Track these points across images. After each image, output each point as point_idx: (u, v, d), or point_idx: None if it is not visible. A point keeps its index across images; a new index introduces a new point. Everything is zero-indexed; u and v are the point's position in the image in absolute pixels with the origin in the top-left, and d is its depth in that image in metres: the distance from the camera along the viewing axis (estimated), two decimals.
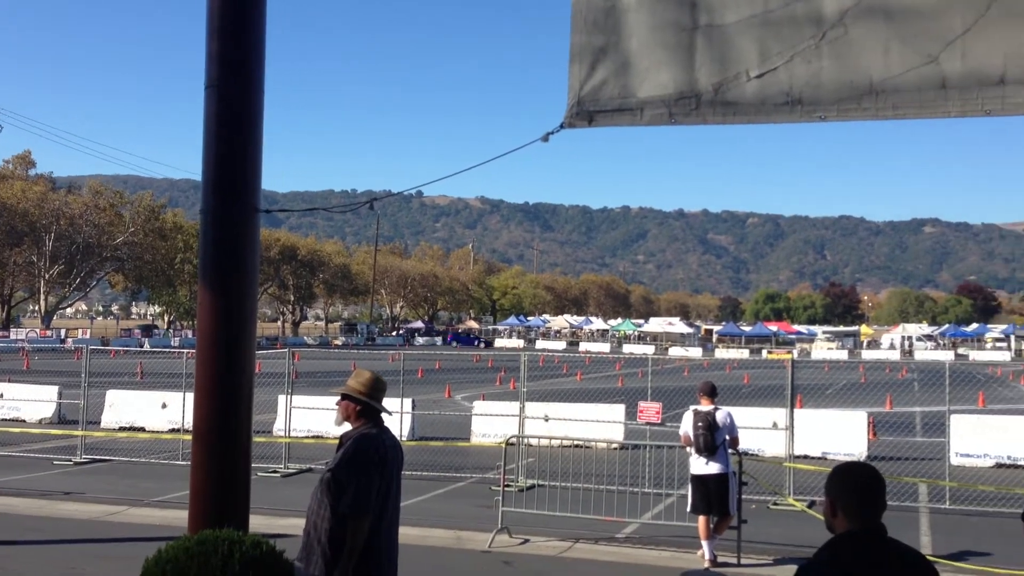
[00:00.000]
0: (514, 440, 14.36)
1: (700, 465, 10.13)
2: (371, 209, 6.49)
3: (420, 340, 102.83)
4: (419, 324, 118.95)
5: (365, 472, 4.86)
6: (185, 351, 19.31)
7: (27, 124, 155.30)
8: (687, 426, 10.33)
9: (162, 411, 20.50)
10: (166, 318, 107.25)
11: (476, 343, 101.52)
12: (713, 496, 10.03)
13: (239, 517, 5.38)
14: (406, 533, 10.67)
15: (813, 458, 16.50)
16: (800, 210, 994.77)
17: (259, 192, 5.77)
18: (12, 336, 67.99)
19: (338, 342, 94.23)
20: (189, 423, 16.48)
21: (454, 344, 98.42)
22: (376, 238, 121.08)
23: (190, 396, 16.73)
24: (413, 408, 19.02)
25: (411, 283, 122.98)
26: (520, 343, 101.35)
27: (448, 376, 40.10)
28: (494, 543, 10.67)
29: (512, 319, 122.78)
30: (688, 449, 10.41)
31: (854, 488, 3.18)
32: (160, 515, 12.23)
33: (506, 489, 11.55)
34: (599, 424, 17.93)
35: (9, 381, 22.40)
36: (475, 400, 23.44)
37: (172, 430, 19.01)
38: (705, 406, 10.33)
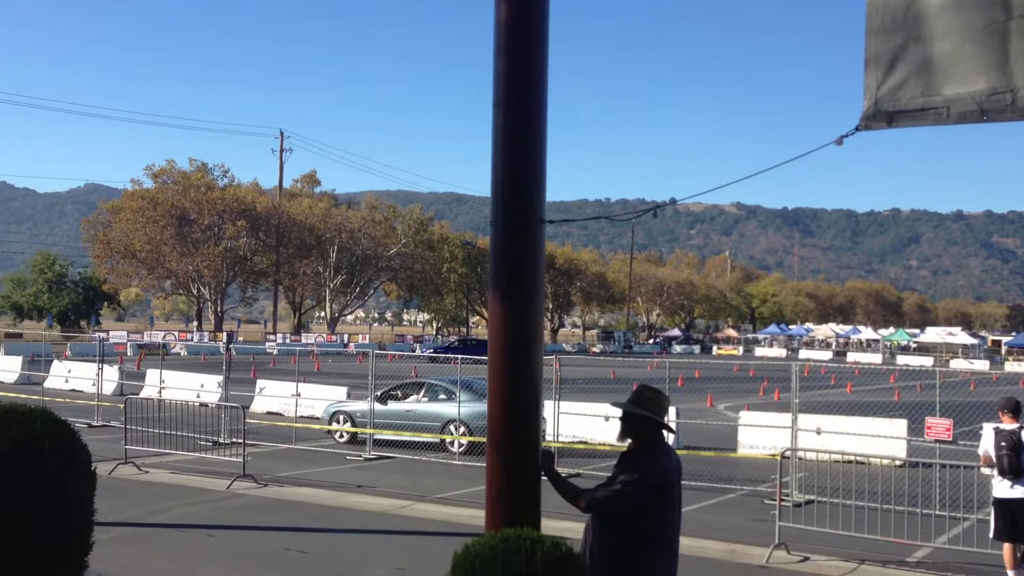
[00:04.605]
0: (788, 453, 13.89)
1: (1004, 488, 9.32)
2: (654, 217, 6.51)
3: (677, 348, 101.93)
4: (676, 332, 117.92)
5: (630, 488, 4.91)
6: (458, 357, 20.31)
7: (311, 146, 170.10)
8: (988, 445, 9.55)
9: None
10: (435, 324, 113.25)
11: None
12: (1020, 523, 9.19)
13: (533, 518, 5.56)
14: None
15: None
16: None
17: (543, 204, 5.94)
18: (303, 340, 74.39)
19: (596, 349, 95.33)
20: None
21: None
22: (631, 246, 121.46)
23: (463, 399, 17.77)
24: (677, 417, 18.85)
25: (667, 291, 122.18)
26: (782, 352, 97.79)
27: (708, 385, 39.42)
28: (771, 559, 10.37)
29: (773, 327, 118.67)
30: (987, 471, 9.62)
31: None
32: (442, 511, 12.94)
33: (781, 503, 11.20)
34: (878, 439, 16.95)
35: (304, 382, 24.50)
36: (739, 410, 22.86)
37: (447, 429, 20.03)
38: (1008, 424, 9.50)
